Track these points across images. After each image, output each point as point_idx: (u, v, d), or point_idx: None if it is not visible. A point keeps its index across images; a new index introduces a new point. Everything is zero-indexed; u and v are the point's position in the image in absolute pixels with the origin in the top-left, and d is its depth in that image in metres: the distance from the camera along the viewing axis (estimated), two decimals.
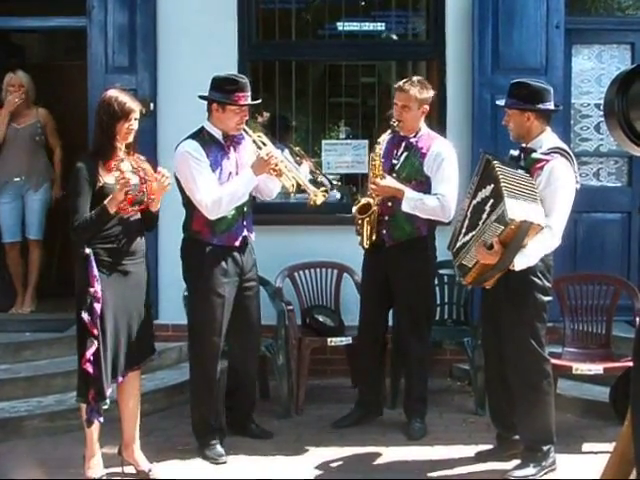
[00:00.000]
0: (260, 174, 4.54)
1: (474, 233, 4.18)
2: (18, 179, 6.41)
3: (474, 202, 4.25)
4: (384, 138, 4.90)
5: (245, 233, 4.68)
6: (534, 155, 4.27)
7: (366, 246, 4.91)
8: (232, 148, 4.65)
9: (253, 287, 4.81)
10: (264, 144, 4.63)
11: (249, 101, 4.56)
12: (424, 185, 4.84)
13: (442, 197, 4.78)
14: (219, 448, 4.66)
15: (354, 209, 4.89)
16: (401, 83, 4.90)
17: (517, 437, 4.50)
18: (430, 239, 4.98)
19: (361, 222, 4.86)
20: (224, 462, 4.61)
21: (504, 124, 4.44)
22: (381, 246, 4.92)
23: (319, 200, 4.60)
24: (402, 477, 4.43)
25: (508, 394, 4.43)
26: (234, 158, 4.64)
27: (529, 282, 4.25)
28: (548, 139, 4.35)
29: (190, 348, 4.84)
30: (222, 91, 4.52)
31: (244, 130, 4.64)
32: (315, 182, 4.91)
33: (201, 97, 4.60)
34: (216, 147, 4.59)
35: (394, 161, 4.92)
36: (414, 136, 4.91)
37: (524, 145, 4.37)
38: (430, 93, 4.93)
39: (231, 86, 4.52)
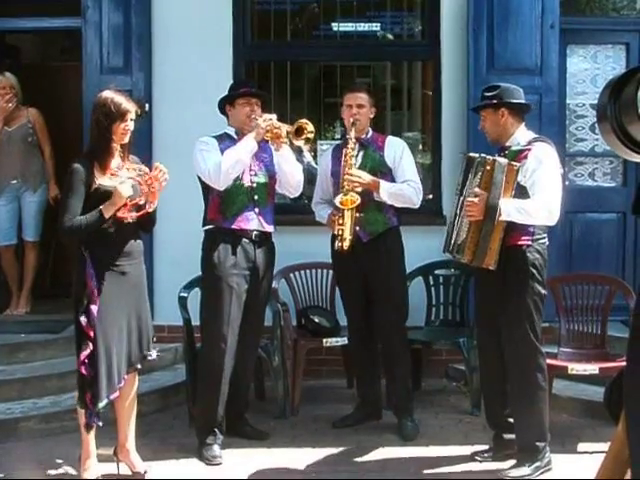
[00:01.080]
0: (258, 138, 4.59)
1: (462, 212, 4.30)
2: (14, 181, 6.39)
3: (461, 199, 4.35)
4: (352, 135, 4.91)
5: (259, 224, 4.70)
6: (515, 148, 4.36)
7: (346, 247, 4.80)
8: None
9: (264, 288, 4.82)
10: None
11: (254, 91, 4.82)
12: (387, 177, 4.94)
13: (414, 183, 4.93)
14: (216, 449, 4.66)
15: (337, 200, 4.81)
16: (353, 86, 5.19)
17: (512, 437, 4.51)
18: (400, 230, 5.03)
19: (342, 221, 4.78)
20: (219, 463, 4.60)
21: (480, 129, 4.52)
22: (354, 245, 4.85)
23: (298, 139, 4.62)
24: (398, 477, 4.43)
25: (503, 393, 4.44)
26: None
27: (529, 274, 4.28)
28: (524, 135, 4.44)
29: (201, 341, 4.84)
30: (229, 91, 4.84)
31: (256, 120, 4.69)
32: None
33: (219, 107, 4.84)
34: (230, 141, 4.72)
35: (353, 162, 4.93)
36: (365, 136, 5.03)
37: (498, 142, 4.45)
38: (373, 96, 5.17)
39: (235, 84, 4.94)
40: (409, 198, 4.91)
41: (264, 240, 4.77)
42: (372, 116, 5.06)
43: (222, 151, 4.63)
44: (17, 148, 6.37)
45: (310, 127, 4.59)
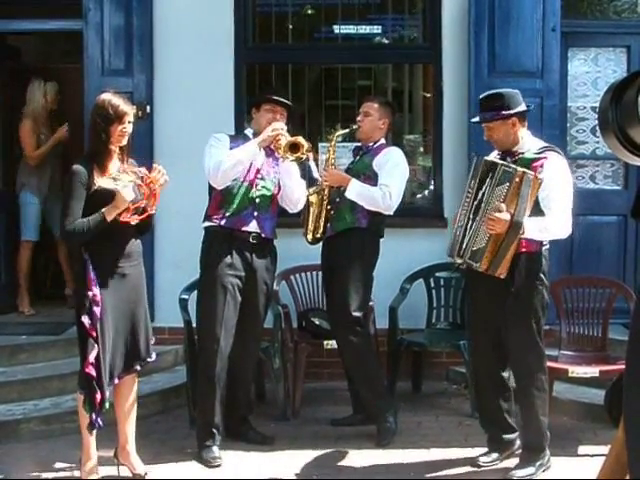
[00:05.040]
0: (263, 144, 4.63)
1: (478, 218, 4.21)
2: (43, 181, 6.63)
3: (475, 203, 4.27)
4: (340, 132, 5.19)
5: (255, 227, 4.69)
6: (528, 155, 4.30)
7: (309, 239, 5.00)
8: (263, 150, 4.72)
9: (263, 290, 4.79)
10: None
11: (281, 99, 4.83)
12: (371, 180, 4.97)
13: (384, 187, 4.90)
14: (215, 450, 4.65)
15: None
16: (369, 96, 5.35)
17: (508, 437, 4.53)
18: (370, 233, 4.98)
19: (306, 214, 4.97)
20: (218, 465, 4.60)
21: (486, 139, 4.44)
22: (322, 239, 5.04)
23: (288, 155, 4.61)
24: (399, 479, 4.43)
25: (498, 393, 4.47)
26: (262, 156, 4.73)
27: (538, 279, 4.29)
28: (532, 141, 4.41)
29: (197, 342, 4.86)
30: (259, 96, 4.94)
31: None
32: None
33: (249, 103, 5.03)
34: (243, 141, 4.74)
35: (350, 166, 5.14)
36: (372, 144, 5.09)
37: (507, 150, 4.37)
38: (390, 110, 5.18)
39: (266, 90, 5.04)
40: (374, 200, 4.88)
41: (263, 244, 4.75)
42: (382, 127, 5.08)
43: (232, 149, 4.67)
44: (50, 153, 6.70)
45: (306, 147, 4.62)
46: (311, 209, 4.98)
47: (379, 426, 4.93)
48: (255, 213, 4.70)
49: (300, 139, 4.62)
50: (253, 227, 4.70)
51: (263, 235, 4.73)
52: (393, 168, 4.99)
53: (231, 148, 4.67)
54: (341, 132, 5.22)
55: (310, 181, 5.22)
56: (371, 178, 4.96)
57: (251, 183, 4.71)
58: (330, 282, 5.05)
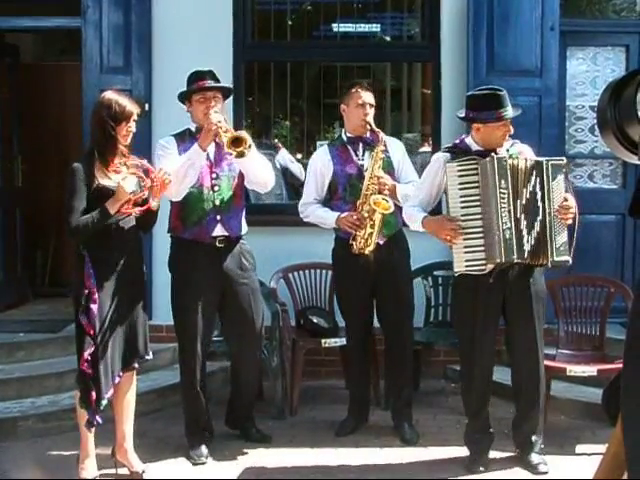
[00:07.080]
0: (205, 144, 4.40)
1: (540, 218, 4.26)
2: None
3: (521, 202, 4.20)
4: (382, 137, 4.80)
5: (221, 231, 4.56)
6: (513, 151, 4.34)
7: (369, 251, 4.73)
8: (212, 142, 4.51)
9: (244, 290, 4.69)
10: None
11: (207, 85, 4.51)
12: (392, 177, 4.90)
13: (417, 183, 4.80)
14: (202, 449, 4.66)
15: (372, 201, 4.68)
16: (362, 84, 4.89)
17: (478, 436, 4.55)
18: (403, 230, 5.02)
19: (372, 224, 4.70)
20: (203, 463, 4.60)
21: (505, 137, 4.34)
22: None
23: (231, 150, 4.33)
24: (396, 478, 4.44)
25: (489, 394, 4.53)
26: (212, 151, 4.55)
27: (543, 280, 4.38)
28: None
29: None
30: (187, 85, 4.61)
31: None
32: None
33: (179, 97, 4.65)
34: (191, 141, 4.55)
35: (360, 162, 4.88)
36: (366, 135, 4.91)
37: (484, 149, 4.33)
38: None
39: (192, 77, 4.61)
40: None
41: (232, 245, 4.64)
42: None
43: (181, 153, 4.51)
44: None
45: (249, 142, 4.32)
46: (379, 225, 4.71)
47: (407, 425, 4.95)
48: (218, 217, 4.54)
49: (241, 134, 4.36)
50: (219, 231, 4.56)
51: (231, 236, 4.61)
52: (409, 161, 5.03)
53: (180, 152, 4.50)
54: (382, 134, 4.84)
55: (287, 174, 5.14)
56: (392, 174, 4.89)
57: (208, 187, 4.53)
58: (382, 286, 4.91)
